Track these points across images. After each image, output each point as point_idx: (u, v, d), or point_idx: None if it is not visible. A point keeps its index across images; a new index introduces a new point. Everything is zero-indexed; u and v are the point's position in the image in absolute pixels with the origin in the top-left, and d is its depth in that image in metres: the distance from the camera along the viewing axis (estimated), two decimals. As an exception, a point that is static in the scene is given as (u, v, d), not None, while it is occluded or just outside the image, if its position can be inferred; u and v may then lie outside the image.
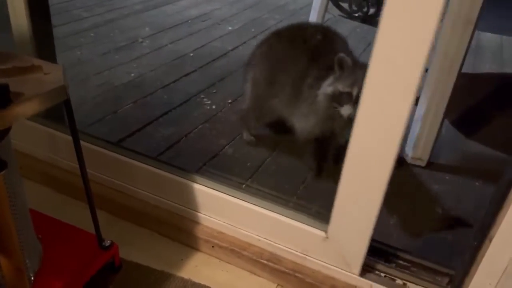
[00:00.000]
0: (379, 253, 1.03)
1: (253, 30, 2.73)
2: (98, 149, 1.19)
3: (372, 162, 0.87)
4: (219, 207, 1.10)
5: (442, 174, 1.61)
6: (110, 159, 1.19)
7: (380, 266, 1.01)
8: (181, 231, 1.12)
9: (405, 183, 1.54)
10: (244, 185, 1.41)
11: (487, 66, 2.57)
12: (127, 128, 1.64)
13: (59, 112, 1.45)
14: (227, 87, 2.05)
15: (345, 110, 1.28)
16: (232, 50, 2.39)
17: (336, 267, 1.01)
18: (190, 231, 1.10)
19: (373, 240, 0.96)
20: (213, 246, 1.09)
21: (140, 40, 2.37)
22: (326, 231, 1.00)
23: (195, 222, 1.12)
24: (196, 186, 1.09)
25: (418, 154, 1.61)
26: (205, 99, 1.92)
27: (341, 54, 1.32)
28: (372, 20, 2.99)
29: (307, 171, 1.55)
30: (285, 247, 1.04)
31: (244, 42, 2.52)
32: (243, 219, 1.07)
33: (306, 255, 1.02)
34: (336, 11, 3.09)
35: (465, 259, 0.90)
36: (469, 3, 1.35)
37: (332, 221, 0.97)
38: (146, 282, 1.01)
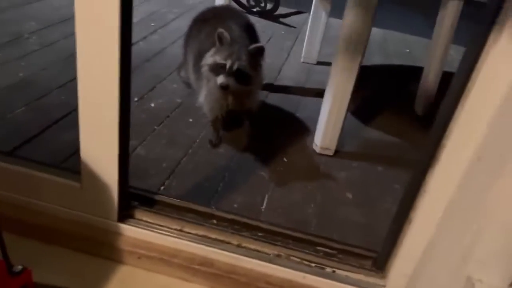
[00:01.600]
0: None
1: (152, 24, 2.62)
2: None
3: (99, 107, 0.93)
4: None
5: (348, 161, 1.71)
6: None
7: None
8: (101, 245, 1.03)
9: (317, 172, 1.61)
10: (162, 188, 1.35)
11: (376, 58, 2.80)
12: (22, 134, 1.47)
13: None
14: (132, 84, 1.93)
15: (219, 79, 1.43)
16: (132, 45, 2.26)
17: (94, 215, 1.03)
18: (112, 243, 1.02)
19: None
20: (139, 257, 1.02)
21: (26, 35, 2.13)
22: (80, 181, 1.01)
23: (116, 233, 1.04)
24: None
25: (326, 144, 1.69)
26: (108, 99, 1.80)
27: (220, 30, 1.47)
28: (269, 15, 3.06)
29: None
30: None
31: (145, 37, 2.42)
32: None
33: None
34: (235, 6, 3.11)
35: (387, 241, 0.97)
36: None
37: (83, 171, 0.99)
38: (67, 305, 0.92)
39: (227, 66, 1.43)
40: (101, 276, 1.00)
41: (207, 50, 1.56)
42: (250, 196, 1.42)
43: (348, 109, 1.64)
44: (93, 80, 0.90)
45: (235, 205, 1.36)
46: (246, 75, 1.48)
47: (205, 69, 1.53)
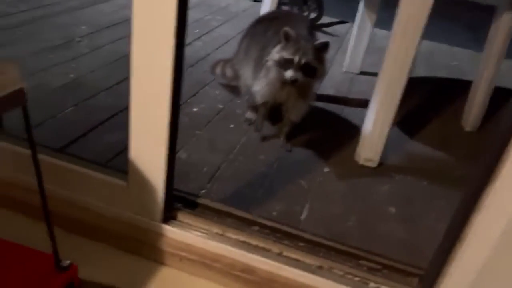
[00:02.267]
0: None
1: (197, 31, 2.66)
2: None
3: (151, 108, 0.95)
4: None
5: (392, 174, 1.67)
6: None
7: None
8: (144, 245, 1.04)
9: (358, 184, 1.57)
10: (203, 191, 1.36)
11: (421, 70, 2.73)
12: (70, 134, 1.51)
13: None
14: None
15: (288, 74, 1.52)
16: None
17: (139, 215, 1.04)
18: (155, 244, 1.03)
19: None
20: (181, 259, 1.02)
21: (77, 39, 2.21)
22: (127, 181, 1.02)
23: (159, 234, 1.05)
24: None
25: (370, 155, 1.65)
26: (152, 102, 1.83)
27: (286, 28, 1.55)
28: (312, 25, 3.05)
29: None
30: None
31: (189, 43, 2.45)
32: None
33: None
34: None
35: (436, 259, 0.93)
36: (418, 11, 1.40)
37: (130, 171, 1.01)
38: (110, 303, 0.93)
39: (295, 61, 1.52)
40: (143, 276, 1.01)
41: (271, 47, 1.63)
42: (289, 204, 1.40)
43: (394, 122, 1.59)
44: (146, 82, 0.92)
45: (274, 213, 1.34)
46: (312, 68, 1.56)
47: (270, 64, 1.60)
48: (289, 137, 1.75)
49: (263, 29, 1.82)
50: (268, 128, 1.80)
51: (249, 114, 1.83)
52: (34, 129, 1.47)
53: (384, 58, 1.51)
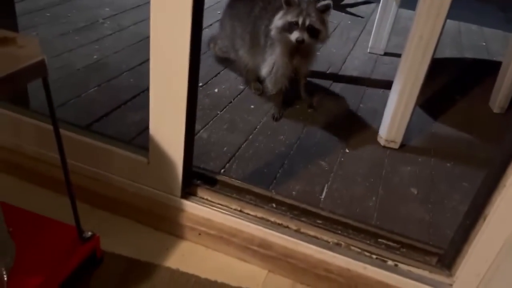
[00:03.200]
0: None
1: (219, 12, 2.64)
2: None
3: (170, 87, 0.95)
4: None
5: (414, 155, 1.64)
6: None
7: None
8: (164, 220, 1.06)
9: (380, 165, 1.56)
10: (223, 171, 1.37)
11: (448, 51, 2.65)
12: (93, 113, 1.54)
13: (20, 93, 1.35)
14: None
15: (294, 35, 1.56)
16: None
17: (159, 190, 1.06)
18: (175, 219, 1.05)
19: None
20: (199, 234, 1.04)
21: (100, 20, 2.24)
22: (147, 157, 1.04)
23: (179, 209, 1.07)
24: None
25: (392, 136, 1.63)
26: (174, 83, 1.85)
27: None
28: (336, 4, 3.00)
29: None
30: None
31: (210, 25, 2.45)
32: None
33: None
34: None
35: (456, 238, 0.91)
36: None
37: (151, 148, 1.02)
38: (132, 274, 0.95)
39: (300, 23, 1.56)
40: (163, 250, 1.03)
41: (264, 20, 1.68)
42: (309, 184, 1.40)
43: (417, 103, 1.56)
44: (164, 61, 0.93)
45: (294, 193, 1.34)
46: (316, 30, 1.60)
47: (274, 32, 1.62)
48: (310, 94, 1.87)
49: (248, 6, 1.81)
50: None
51: (255, 85, 1.87)
52: (59, 107, 1.53)
53: (408, 38, 1.48)
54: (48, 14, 2.22)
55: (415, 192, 1.45)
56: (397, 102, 1.56)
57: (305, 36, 1.57)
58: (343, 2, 3.01)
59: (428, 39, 1.43)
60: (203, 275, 0.97)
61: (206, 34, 2.31)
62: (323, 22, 1.62)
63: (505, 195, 0.79)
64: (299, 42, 1.56)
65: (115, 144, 1.07)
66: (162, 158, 1.01)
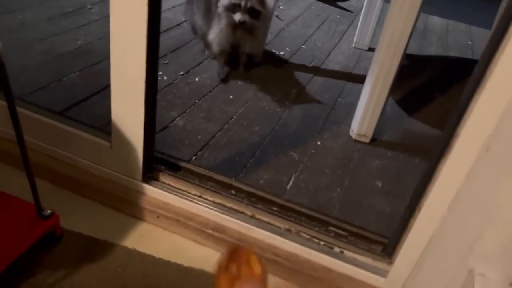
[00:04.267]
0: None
1: None
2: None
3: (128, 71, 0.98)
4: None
5: (384, 150, 1.68)
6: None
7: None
8: (125, 202, 1.11)
9: (349, 158, 1.60)
10: (194, 158, 1.41)
11: (433, 49, 2.68)
12: (72, 97, 1.58)
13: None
14: (180, 58, 2.01)
15: (237, 16, 1.79)
16: (186, 20, 2.33)
17: (121, 174, 1.11)
18: (135, 201, 1.10)
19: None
20: (158, 217, 1.09)
21: (88, 6, 2.27)
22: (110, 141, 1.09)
23: (140, 192, 1.11)
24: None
25: (363, 131, 1.67)
26: (156, 70, 1.89)
27: None
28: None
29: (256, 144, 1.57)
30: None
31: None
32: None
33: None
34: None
35: (397, 228, 0.96)
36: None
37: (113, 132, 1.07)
38: (89, 252, 1.00)
39: (242, 5, 1.78)
40: (122, 230, 1.08)
41: None
42: (278, 174, 1.44)
43: (389, 98, 1.60)
44: (122, 45, 0.96)
45: (261, 181, 1.38)
46: (257, 11, 1.82)
47: (220, 9, 1.84)
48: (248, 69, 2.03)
49: None
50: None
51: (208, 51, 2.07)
52: (40, 90, 1.57)
53: (381, 33, 1.51)
54: (36, -3, 2.25)
55: (380, 185, 1.50)
56: (369, 97, 1.59)
57: (246, 18, 1.79)
58: (334, -4, 3.03)
59: (400, 35, 1.46)
60: (158, 255, 1.02)
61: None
62: (263, 4, 1.84)
63: (435, 189, 0.83)
64: (241, 23, 1.80)
65: (81, 128, 1.11)
66: (124, 143, 1.05)
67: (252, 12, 1.81)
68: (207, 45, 2.04)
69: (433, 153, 0.86)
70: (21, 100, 1.21)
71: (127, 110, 1.01)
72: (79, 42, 1.95)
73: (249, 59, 2.04)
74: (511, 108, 0.68)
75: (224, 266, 0.48)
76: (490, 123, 0.71)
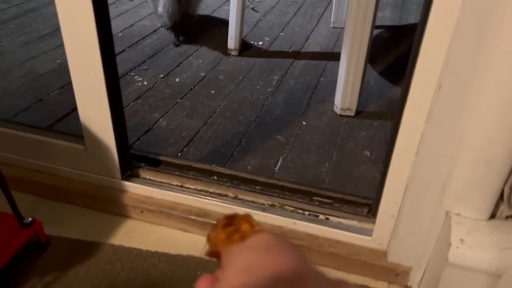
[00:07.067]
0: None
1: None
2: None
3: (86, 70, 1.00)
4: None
5: (371, 120, 1.67)
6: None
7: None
8: (109, 202, 1.11)
9: (335, 133, 1.59)
10: (180, 154, 1.41)
11: (412, 18, 2.66)
12: (55, 114, 1.60)
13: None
14: (159, 63, 2.03)
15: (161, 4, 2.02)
16: (162, 27, 2.35)
17: (100, 175, 1.11)
18: (118, 200, 1.10)
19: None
20: (142, 211, 1.09)
21: (63, 26, 2.29)
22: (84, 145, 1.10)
23: (121, 190, 1.12)
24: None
25: (346, 105, 1.66)
26: (136, 77, 1.90)
27: None
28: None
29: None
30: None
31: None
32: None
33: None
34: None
35: (377, 187, 0.95)
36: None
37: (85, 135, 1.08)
38: (77, 253, 1.01)
39: None
40: (108, 229, 1.09)
41: None
42: (265, 158, 1.44)
43: (368, 69, 1.59)
44: (76, 45, 0.97)
45: (249, 167, 1.39)
46: None
47: None
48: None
49: None
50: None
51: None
52: (22, 112, 1.59)
53: (348, 6, 1.51)
54: (12, 26, 2.28)
55: (368, 154, 1.49)
56: (346, 70, 1.59)
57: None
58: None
59: (365, 6, 1.46)
60: (145, 247, 1.02)
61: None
62: None
63: (401, 137, 0.82)
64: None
65: (54, 136, 1.12)
66: (97, 143, 1.06)
67: None
68: (159, 18, 2.24)
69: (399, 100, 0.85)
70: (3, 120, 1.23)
71: (93, 111, 1.02)
72: (58, 61, 1.97)
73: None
74: (454, 42, 0.68)
75: (221, 225, 0.42)
76: (439, 60, 0.71)
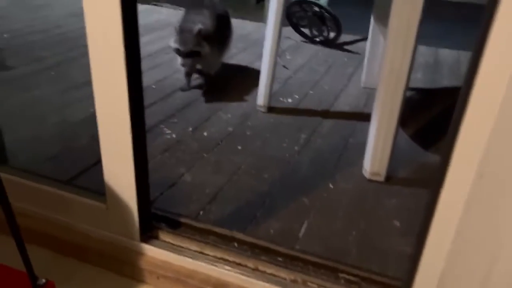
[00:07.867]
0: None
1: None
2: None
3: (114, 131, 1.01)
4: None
5: (400, 187, 1.61)
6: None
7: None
8: (126, 265, 1.08)
9: (363, 199, 1.53)
10: (202, 212, 1.38)
11: (445, 82, 2.63)
12: (81, 163, 1.61)
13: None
14: (188, 116, 2.05)
15: (179, 60, 2.11)
16: (194, 80, 2.40)
17: (119, 235, 1.09)
18: (135, 263, 1.07)
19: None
20: (158, 277, 1.05)
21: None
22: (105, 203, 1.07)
23: (139, 253, 1.09)
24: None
25: (375, 169, 1.61)
26: (165, 129, 1.91)
27: (176, 25, 2.09)
28: (332, 44, 3.06)
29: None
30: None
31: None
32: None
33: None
34: (298, 37, 3.16)
35: (408, 269, 0.89)
36: (406, 20, 1.38)
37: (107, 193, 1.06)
38: (87, 319, 0.97)
39: (181, 51, 2.06)
40: (122, 294, 1.05)
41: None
42: (288, 222, 1.39)
43: (400, 133, 1.56)
44: (107, 107, 0.98)
45: (272, 231, 1.34)
46: (196, 52, 2.07)
47: (174, 50, 2.13)
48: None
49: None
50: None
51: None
52: (51, 160, 1.61)
53: (381, 70, 1.50)
54: (52, 73, 2.37)
55: (398, 225, 1.42)
56: (376, 134, 1.56)
57: (188, 61, 2.09)
58: (340, 41, 3.07)
59: (398, 69, 1.45)
60: (157, 318, 0.97)
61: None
62: (200, 43, 2.06)
63: (436, 223, 0.77)
64: (183, 65, 2.13)
65: (75, 191, 1.11)
66: (118, 203, 1.05)
67: (192, 54, 2.06)
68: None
69: (433, 183, 0.81)
70: (26, 171, 1.23)
71: (118, 170, 1.01)
72: (91, 110, 2.01)
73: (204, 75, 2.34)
74: (498, 127, 0.64)
75: None
76: (481, 147, 0.66)
